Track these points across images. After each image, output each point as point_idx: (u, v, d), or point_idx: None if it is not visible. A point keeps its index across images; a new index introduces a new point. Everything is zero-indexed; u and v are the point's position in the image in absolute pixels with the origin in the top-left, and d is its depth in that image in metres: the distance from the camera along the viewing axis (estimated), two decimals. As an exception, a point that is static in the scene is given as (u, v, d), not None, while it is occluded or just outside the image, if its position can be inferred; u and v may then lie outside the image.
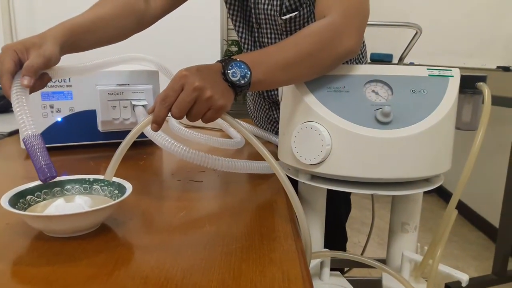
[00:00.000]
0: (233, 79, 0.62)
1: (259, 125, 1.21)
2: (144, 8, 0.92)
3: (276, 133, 1.13)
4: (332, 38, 0.70)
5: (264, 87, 0.69)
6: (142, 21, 0.93)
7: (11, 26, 2.49)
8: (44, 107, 0.96)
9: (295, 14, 0.89)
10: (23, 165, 0.90)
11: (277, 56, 0.67)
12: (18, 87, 0.67)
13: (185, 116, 0.61)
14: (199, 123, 1.28)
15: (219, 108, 0.61)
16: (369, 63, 1.06)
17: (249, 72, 0.63)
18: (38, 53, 0.69)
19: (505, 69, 2.38)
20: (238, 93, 0.64)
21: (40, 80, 0.72)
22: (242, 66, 0.63)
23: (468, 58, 2.62)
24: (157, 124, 0.61)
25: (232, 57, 0.64)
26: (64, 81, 0.96)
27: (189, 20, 2.55)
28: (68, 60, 0.79)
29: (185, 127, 0.98)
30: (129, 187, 0.62)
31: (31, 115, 0.65)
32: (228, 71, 0.62)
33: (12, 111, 1.47)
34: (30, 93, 0.69)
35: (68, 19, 0.79)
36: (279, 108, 1.07)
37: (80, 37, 0.79)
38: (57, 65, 0.75)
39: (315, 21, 0.74)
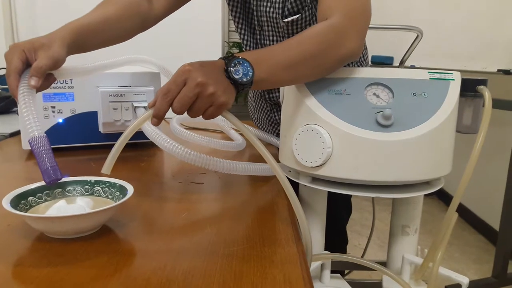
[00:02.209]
0: (235, 76, 0.61)
1: (260, 127, 1.21)
2: (147, 9, 0.93)
3: (277, 135, 1.13)
4: (335, 39, 0.70)
5: (266, 86, 0.68)
6: (146, 21, 0.93)
7: (12, 26, 2.50)
8: (45, 108, 0.96)
9: (297, 17, 0.89)
10: (24, 166, 0.90)
11: (280, 56, 0.67)
12: (25, 87, 0.67)
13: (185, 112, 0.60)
14: (200, 125, 1.27)
15: (221, 105, 0.60)
16: (370, 66, 1.06)
17: (251, 71, 0.62)
18: (46, 54, 0.70)
19: (506, 72, 2.38)
20: (240, 91, 0.63)
21: (45, 80, 0.72)
22: (245, 64, 0.62)
23: (469, 61, 2.62)
24: (158, 118, 0.60)
25: (235, 54, 0.64)
26: (66, 83, 0.97)
27: (190, 22, 2.56)
28: (71, 61, 0.79)
29: (185, 129, 0.98)
30: (130, 188, 0.62)
31: (37, 116, 0.65)
32: (231, 69, 0.61)
33: (13, 112, 1.47)
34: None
35: (74, 20, 0.79)
36: (280, 110, 1.07)
37: (86, 38, 0.79)
38: (62, 65, 0.75)
39: (317, 23, 0.74)
